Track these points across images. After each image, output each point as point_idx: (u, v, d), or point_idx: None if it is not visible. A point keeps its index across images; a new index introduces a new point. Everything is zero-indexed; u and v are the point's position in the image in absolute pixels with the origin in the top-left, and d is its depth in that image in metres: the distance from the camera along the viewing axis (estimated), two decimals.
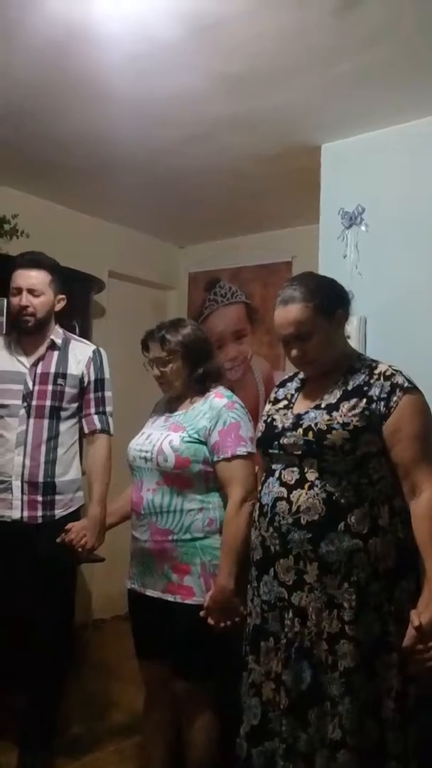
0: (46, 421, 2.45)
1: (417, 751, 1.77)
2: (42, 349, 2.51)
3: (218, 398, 2.15)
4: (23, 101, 2.70)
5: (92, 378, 2.53)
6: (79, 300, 3.54)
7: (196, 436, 2.10)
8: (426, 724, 1.80)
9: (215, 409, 2.12)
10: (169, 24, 2.15)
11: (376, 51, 2.26)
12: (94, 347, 2.60)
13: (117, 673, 3.36)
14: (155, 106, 2.69)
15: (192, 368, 2.19)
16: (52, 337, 2.53)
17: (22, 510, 2.42)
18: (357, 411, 1.80)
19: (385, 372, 1.85)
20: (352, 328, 2.65)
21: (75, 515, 2.49)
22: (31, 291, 2.44)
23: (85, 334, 3.43)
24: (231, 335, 4.48)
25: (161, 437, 2.13)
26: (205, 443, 2.09)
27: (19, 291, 2.45)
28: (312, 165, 2.99)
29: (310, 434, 1.81)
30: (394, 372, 1.85)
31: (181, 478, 2.09)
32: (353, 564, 1.75)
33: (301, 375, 2.03)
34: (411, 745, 1.76)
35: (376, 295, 2.76)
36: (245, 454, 2.07)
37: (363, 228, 2.86)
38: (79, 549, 2.35)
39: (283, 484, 1.84)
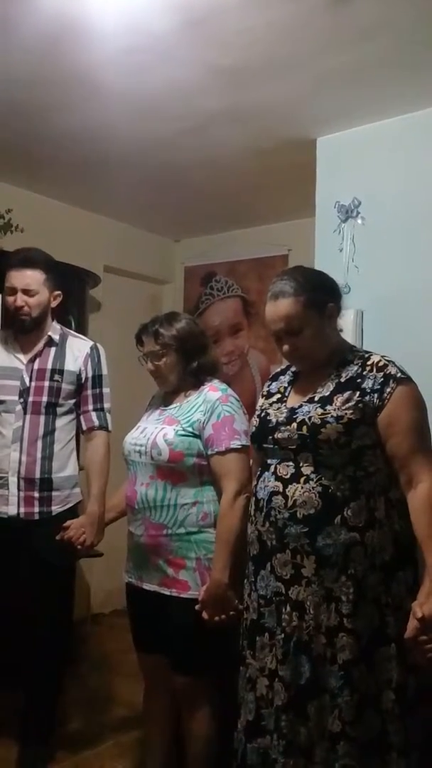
0: (42, 417, 2.45)
1: (418, 743, 1.78)
2: (39, 346, 2.50)
3: (212, 391, 2.15)
4: (17, 96, 2.68)
5: (90, 374, 2.52)
6: (74, 295, 3.54)
7: (190, 429, 2.10)
8: (427, 716, 1.81)
9: (209, 402, 2.11)
10: (162, 17, 2.14)
11: (372, 44, 2.25)
12: (91, 343, 2.60)
13: (116, 668, 3.37)
14: (149, 99, 2.68)
15: (186, 362, 2.18)
16: (49, 333, 2.52)
17: (18, 506, 2.41)
18: (351, 404, 1.80)
19: (377, 363, 1.84)
20: (348, 321, 2.65)
21: (72, 511, 2.49)
22: (26, 291, 2.43)
23: (81, 328, 3.43)
24: (227, 329, 4.48)
25: (155, 431, 2.13)
26: (199, 436, 2.09)
27: (14, 291, 2.44)
28: (307, 158, 2.98)
29: (305, 428, 1.80)
30: (386, 363, 1.84)
31: (174, 471, 2.09)
32: (350, 557, 1.75)
33: (294, 368, 2.03)
34: (412, 736, 1.77)
35: (373, 289, 2.76)
36: (239, 447, 2.06)
37: (359, 221, 2.85)
38: (79, 546, 2.35)
39: (278, 478, 1.84)
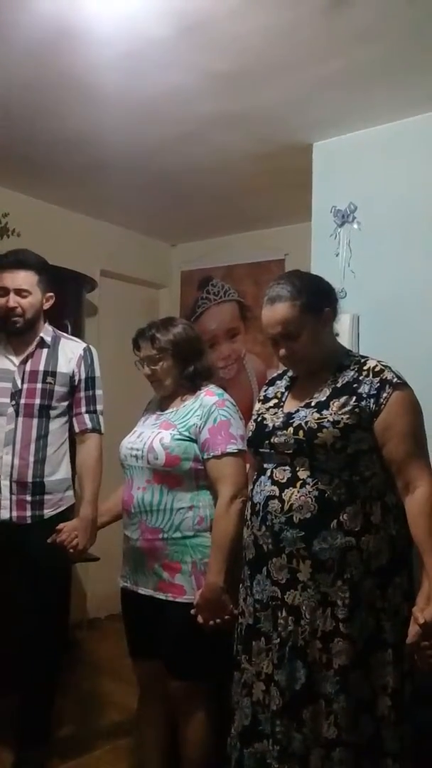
0: (35, 420, 2.44)
1: (411, 749, 1.77)
2: (31, 347, 2.49)
3: (209, 396, 2.15)
4: (14, 100, 2.69)
5: (83, 376, 2.52)
6: (71, 299, 3.54)
7: (186, 433, 2.10)
8: (422, 722, 1.81)
9: (206, 406, 2.12)
10: (159, 22, 2.15)
11: (367, 49, 2.26)
12: (84, 345, 2.59)
13: (112, 672, 3.36)
14: (146, 104, 2.69)
15: (182, 366, 2.19)
16: (41, 335, 2.51)
17: (10, 510, 2.40)
18: (347, 409, 1.80)
19: (374, 368, 1.85)
20: (344, 326, 2.65)
21: (65, 515, 2.47)
22: (18, 292, 2.42)
23: (78, 333, 3.42)
24: (224, 334, 4.48)
25: (152, 435, 2.14)
26: (195, 441, 2.09)
27: (6, 292, 2.42)
28: (304, 163, 3.00)
29: (301, 433, 1.81)
30: (383, 368, 1.85)
31: (171, 476, 2.09)
32: (346, 561, 1.75)
33: (291, 373, 2.03)
34: (406, 742, 1.77)
35: (369, 293, 2.77)
36: (235, 451, 2.07)
37: (355, 226, 2.86)
38: (71, 549, 2.34)
39: (275, 482, 1.84)
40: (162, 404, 2.26)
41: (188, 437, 2.09)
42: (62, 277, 3.15)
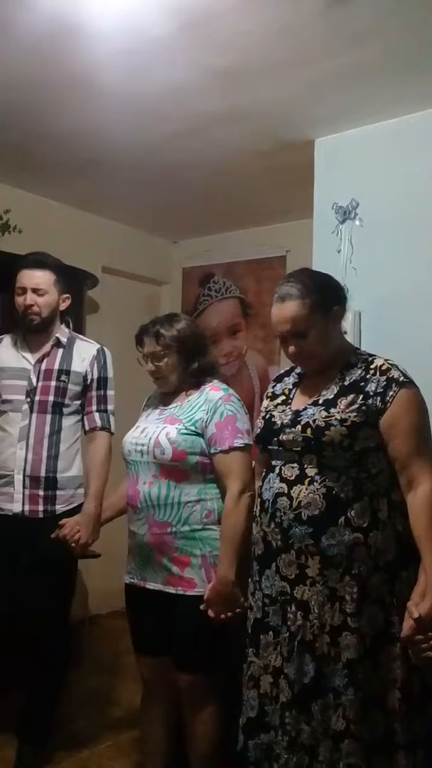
0: (48, 417, 2.48)
1: (423, 741, 1.79)
2: (47, 347, 2.54)
3: (214, 391, 2.16)
4: (16, 97, 2.69)
5: (95, 376, 2.56)
6: (72, 296, 3.53)
7: (192, 428, 2.10)
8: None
9: (211, 401, 2.12)
10: (160, 19, 2.15)
11: (368, 46, 2.27)
12: (98, 346, 2.63)
13: (114, 669, 3.38)
14: (147, 101, 2.69)
15: (187, 363, 2.19)
16: (57, 335, 2.56)
17: (23, 504, 2.44)
18: (354, 407, 1.81)
19: (381, 366, 1.86)
20: (346, 323, 2.65)
21: (76, 511, 2.48)
22: (35, 290, 2.48)
23: (79, 329, 3.42)
24: (225, 330, 4.48)
25: (157, 430, 2.14)
26: (201, 435, 2.10)
27: (24, 290, 2.48)
28: (305, 160, 3.00)
29: (309, 431, 1.82)
30: (390, 366, 1.86)
31: (177, 470, 2.10)
32: (354, 557, 1.77)
33: (298, 370, 2.05)
34: (418, 735, 1.78)
35: (371, 290, 2.77)
36: (242, 446, 2.08)
37: (357, 222, 2.86)
38: (73, 544, 2.36)
39: (283, 479, 1.85)
40: (164, 399, 2.26)
41: (194, 431, 2.10)
42: (64, 273, 3.16)
